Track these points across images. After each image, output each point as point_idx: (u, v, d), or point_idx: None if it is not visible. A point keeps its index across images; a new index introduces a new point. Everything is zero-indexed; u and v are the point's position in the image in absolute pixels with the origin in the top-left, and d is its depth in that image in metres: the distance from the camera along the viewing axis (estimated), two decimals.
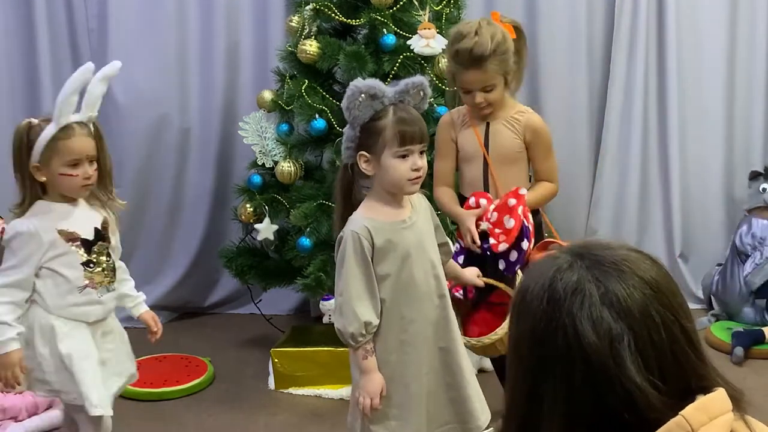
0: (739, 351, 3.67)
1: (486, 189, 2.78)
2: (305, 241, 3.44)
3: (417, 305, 2.28)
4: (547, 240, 2.74)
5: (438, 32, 3.44)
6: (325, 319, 3.75)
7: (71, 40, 4.14)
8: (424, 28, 3.43)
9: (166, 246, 4.29)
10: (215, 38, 4.16)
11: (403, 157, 2.19)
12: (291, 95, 3.55)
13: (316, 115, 3.46)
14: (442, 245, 2.42)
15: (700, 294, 4.34)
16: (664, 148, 4.37)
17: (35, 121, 2.41)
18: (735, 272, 4.04)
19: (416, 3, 3.48)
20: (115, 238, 2.56)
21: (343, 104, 2.21)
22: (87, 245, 2.46)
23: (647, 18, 4.26)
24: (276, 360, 3.51)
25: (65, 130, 2.36)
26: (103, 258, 2.49)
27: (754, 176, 4.22)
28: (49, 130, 2.36)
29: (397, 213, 2.28)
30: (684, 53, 4.30)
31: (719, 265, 4.18)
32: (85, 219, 2.48)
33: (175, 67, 4.14)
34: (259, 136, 3.68)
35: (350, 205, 2.30)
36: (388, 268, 2.25)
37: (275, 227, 3.62)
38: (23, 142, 2.39)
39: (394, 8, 3.46)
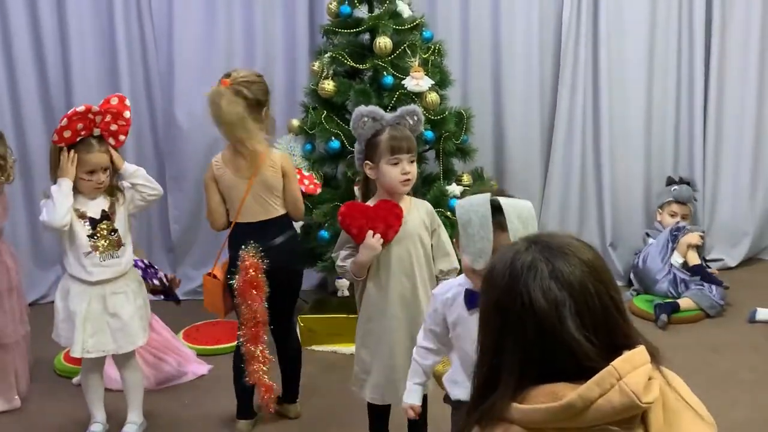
0: (663, 317, 3.64)
1: None
2: (324, 234, 3.44)
3: (392, 284, 2.30)
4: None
5: (425, 74, 3.45)
6: (340, 293, 3.75)
7: (146, 82, 4.14)
8: (415, 71, 3.43)
9: (217, 238, 4.26)
10: None
11: (395, 164, 2.25)
12: (313, 122, 3.56)
13: (332, 138, 3.47)
14: (444, 255, 2.36)
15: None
16: (598, 163, 4.38)
17: None
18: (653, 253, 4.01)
19: (409, 52, 3.49)
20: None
21: (351, 125, 2.30)
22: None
23: (585, 64, 4.27)
24: (302, 324, 3.51)
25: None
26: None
27: (670, 182, 4.25)
28: None
29: None
30: (613, 93, 4.32)
31: (636, 254, 4.16)
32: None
33: None
34: (289, 153, 3.67)
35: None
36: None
37: (302, 223, 3.62)
38: None
39: (392, 56, 3.47)
